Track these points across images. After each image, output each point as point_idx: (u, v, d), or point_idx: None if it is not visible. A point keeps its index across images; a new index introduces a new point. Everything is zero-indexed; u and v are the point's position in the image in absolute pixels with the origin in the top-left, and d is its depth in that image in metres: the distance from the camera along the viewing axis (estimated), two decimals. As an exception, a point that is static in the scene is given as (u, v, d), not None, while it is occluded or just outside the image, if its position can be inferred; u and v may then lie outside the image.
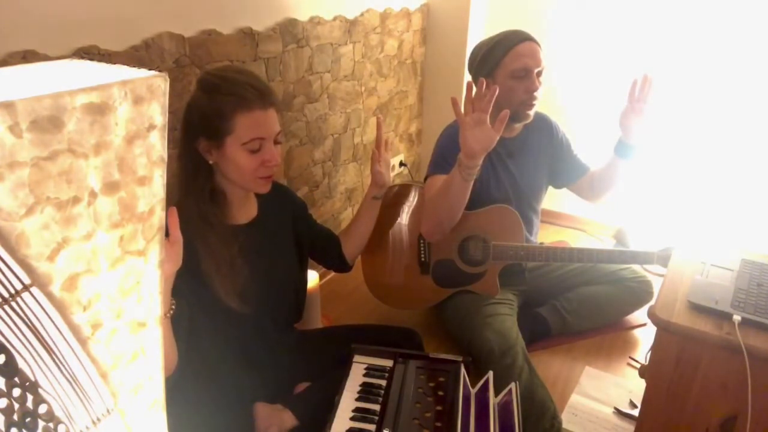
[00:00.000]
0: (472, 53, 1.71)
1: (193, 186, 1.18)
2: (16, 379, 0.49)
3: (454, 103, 1.38)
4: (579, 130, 2.23)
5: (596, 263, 1.84)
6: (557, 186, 1.91)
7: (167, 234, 0.90)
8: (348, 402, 1.20)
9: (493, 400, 1.22)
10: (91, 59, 1.14)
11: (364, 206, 1.58)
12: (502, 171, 1.74)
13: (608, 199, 1.84)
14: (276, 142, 1.19)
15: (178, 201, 1.18)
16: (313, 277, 1.71)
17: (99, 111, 0.49)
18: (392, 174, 1.61)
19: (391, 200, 1.78)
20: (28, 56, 1.11)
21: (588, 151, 1.91)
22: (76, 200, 0.50)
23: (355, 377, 1.27)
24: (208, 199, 1.19)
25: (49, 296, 0.50)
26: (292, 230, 1.42)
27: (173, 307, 1.02)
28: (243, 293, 1.21)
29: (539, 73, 1.62)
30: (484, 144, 1.37)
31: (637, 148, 1.66)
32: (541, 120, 1.80)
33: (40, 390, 0.51)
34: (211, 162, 1.17)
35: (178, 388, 1.08)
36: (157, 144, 0.56)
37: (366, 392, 1.22)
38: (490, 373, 1.30)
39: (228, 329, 1.26)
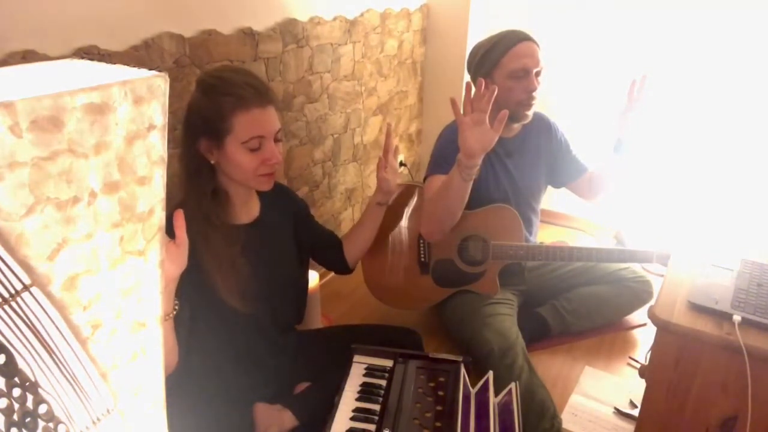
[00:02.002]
0: (471, 53, 1.71)
1: (196, 186, 1.18)
2: (16, 379, 0.49)
3: (453, 103, 1.38)
4: (577, 130, 2.23)
5: (596, 262, 1.85)
6: (556, 185, 1.91)
7: (173, 236, 0.90)
8: (348, 402, 1.20)
9: (493, 400, 1.22)
10: (91, 59, 1.14)
11: (367, 211, 1.57)
12: (501, 171, 1.74)
13: (607, 199, 1.84)
14: (276, 140, 1.19)
15: (180, 201, 1.18)
16: (313, 277, 1.71)
17: (99, 111, 0.49)
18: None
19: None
20: (28, 56, 1.11)
21: (586, 151, 1.91)
22: (76, 200, 0.50)
23: (355, 377, 1.27)
24: (211, 199, 1.19)
25: (49, 296, 0.50)
26: (293, 231, 1.42)
27: (176, 307, 1.02)
28: (244, 293, 1.21)
29: (538, 73, 1.62)
30: (483, 144, 1.37)
31: (635, 146, 1.66)
32: (540, 120, 1.80)
33: (40, 390, 0.51)
34: (212, 162, 1.18)
35: (178, 388, 1.08)
36: (157, 144, 0.56)
37: (366, 392, 1.22)
38: (490, 373, 1.30)
39: (228, 329, 1.26)
